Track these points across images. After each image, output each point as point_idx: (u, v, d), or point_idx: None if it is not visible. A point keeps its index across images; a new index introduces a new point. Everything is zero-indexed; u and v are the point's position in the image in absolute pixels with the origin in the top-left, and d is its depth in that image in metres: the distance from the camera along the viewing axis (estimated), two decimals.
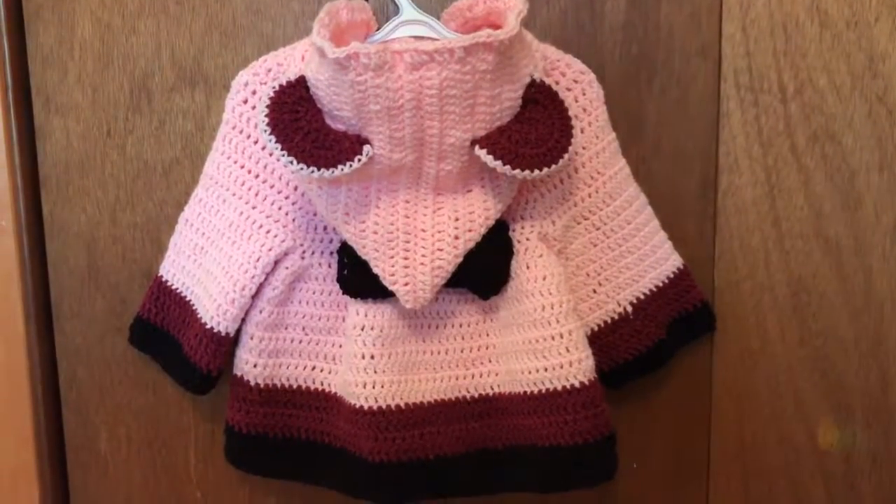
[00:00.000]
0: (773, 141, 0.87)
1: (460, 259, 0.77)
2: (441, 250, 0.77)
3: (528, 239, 0.81)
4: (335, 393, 0.85)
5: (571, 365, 0.78)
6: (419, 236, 0.77)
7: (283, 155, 0.70)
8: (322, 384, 0.86)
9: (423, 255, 0.77)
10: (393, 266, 0.77)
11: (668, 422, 0.92)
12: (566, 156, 0.74)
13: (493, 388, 0.84)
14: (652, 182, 0.87)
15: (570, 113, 0.77)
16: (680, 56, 0.86)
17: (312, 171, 0.71)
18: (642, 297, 0.85)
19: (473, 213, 0.77)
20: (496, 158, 0.72)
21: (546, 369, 0.79)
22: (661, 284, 0.86)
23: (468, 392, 0.84)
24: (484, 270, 0.80)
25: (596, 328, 0.85)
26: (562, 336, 0.78)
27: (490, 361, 0.84)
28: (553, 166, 0.73)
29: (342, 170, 0.71)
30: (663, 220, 0.87)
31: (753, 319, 0.90)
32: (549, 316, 0.78)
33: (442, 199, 0.77)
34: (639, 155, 0.87)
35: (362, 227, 0.77)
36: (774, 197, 0.88)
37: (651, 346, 0.85)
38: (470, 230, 0.77)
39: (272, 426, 0.86)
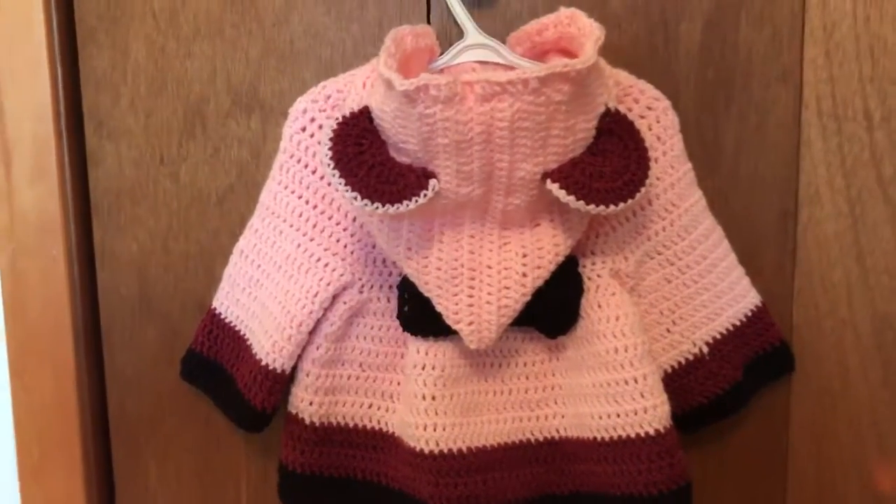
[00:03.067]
0: (857, 171, 0.82)
1: (528, 297, 0.73)
2: (508, 288, 0.73)
3: (599, 276, 0.76)
4: (393, 433, 0.82)
5: (646, 411, 0.74)
6: (485, 273, 0.74)
7: (347, 191, 0.67)
8: (379, 423, 0.82)
9: (489, 294, 0.73)
10: (457, 304, 0.74)
11: (742, 466, 0.87)
12: (643, 189, 0.70)
13: (559, 432, 0.80)
14: (729, 214, 0.82)
15: (646, 141, 0.73)
16: (759, 81, 0.81)
17: (377, 207, 0.67)
18: (718, 336, 0.81)
19: (542, 249, 0.73)
20: (569, 193, 0.68)
21: (618, 415, 0.75)
22: (738, 323, 0.81)
23: (533, 435, 0.80)
24: (552, 309, 0.76)
25: (669, 370, 0.80)
26: (636, 380, 0.74)
27: (556, 403, 0.80)
28: (629, 201, 0.69)
29: (407, 205, 0.67)
30: (740, 254, 0.82)
31: (834, 358, 0.85)
32: (622, 359, 0.74)
33: (508, 233, 0.73)
34: (715, 185, 0.82)
35: (425, 263, 0.73)
36: (858, 230, 0.83)
37: (727, 388, 0.81)
38: (538, 267, 0.73)
39: (327, 466, 0.82)
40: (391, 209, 0.67)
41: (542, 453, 0.80)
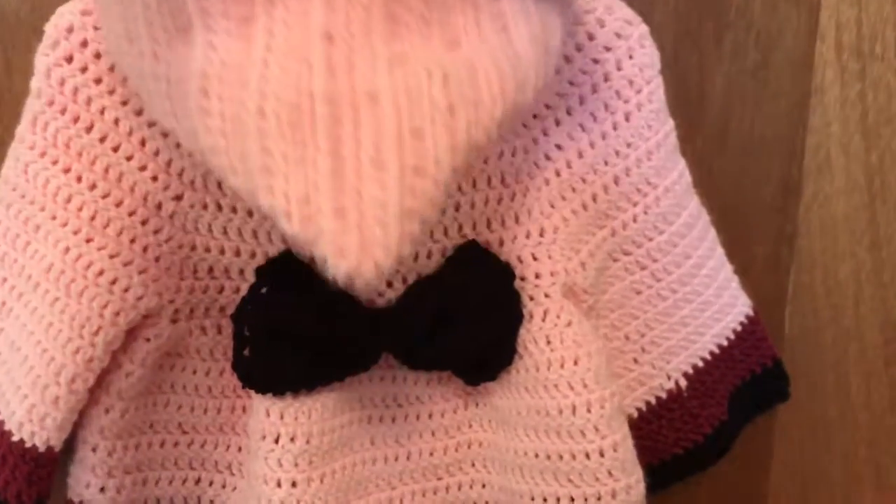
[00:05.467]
0: (881, 131, 0.60)
1: (460, 160, 0.36)
2: (419, 135, 0.35)
3: (547, 295, 0.51)
4: None
5: (615, 496, 0.50)
6: (363, 107, 0.35)
7: None
8: (213, 503, 0.55)
9: (377, 146, 0.35)
10: (307, 179, 0.35)
11: None
12: None
13: None
14: (713, 188, 0.58)
15: (611, 88, 0.48)
16: (763, 0, 0.57)
17: None
18: (700, 364, 0.57)
19: (475, 70, 0.37)
20: None
21: (573, 499, 0.50)
22: (724, 343, 0.58)
23: None
24: (476, 347, 0.50)
25: (635, 414, 0.57)
26: (602, 453, 0.49)
27: (474, 466, 0.56)
28: None
29: None
30: (725, 244, 0.58)
31: (832, 379, 0.65)
32: (582, 422, 0.49)
33: (399, 30, 0.36)
34: (696, 149, 0.58)
35: (236, 110, 0.35)
36: (876, 210, 0.61)
37: (710, 432, 0.58)
38: (476, 103, 0.36)
39: None
40: None
41: None
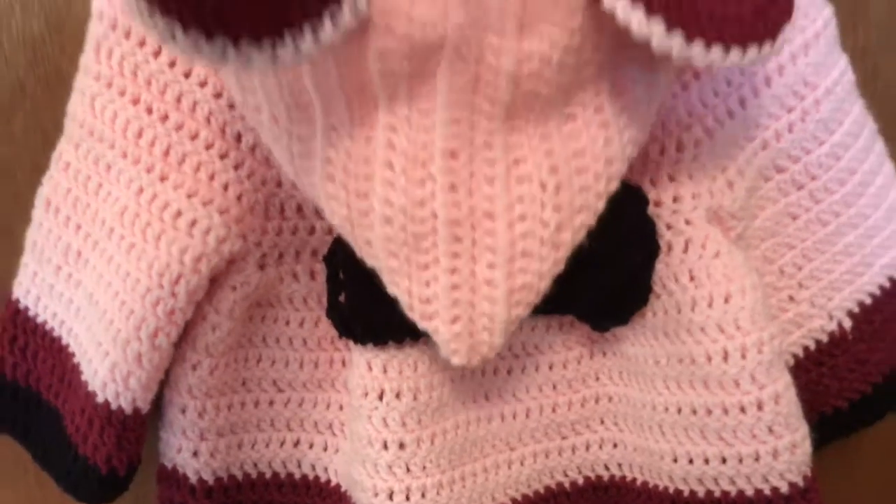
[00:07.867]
0: None
1: (561, 267, 0.40)
2: (528, 255, 0.39)
3: (688, 222, 0.43)
4: (337, 485, 0.50)
5: (777, 455, 0.43)
6: (480, 227, 0.39)
7: (154, 16, 0.30)
8: (314, 468, 0.51)
9: (491, 265, 0.39)
10: (429, 286, 0.40)
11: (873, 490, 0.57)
12: (789, 20, 0.35)
13: (609, 469, 0.49)
14: (880, 91, 0.49)
15: None
16: None
17: (225, 50, 0.31)
18: (868, 300, 0.49)
19: (586, 171, 0.38)
20: (651, 14, 0.33)
21: (725, 460, 0.43)
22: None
23: (567, 476, 0.50)
24: (603, 285, 0.43)
25: (791, 361, 0.49)
26: (760, 406, 0.42)
27: (603, 423, 0.49)
28: (768, 45, 0.34)
29: (297, 47, 0.31)
30: (894, 157, 0.49)
31: None
32: (736, 371, 0.42)
33: (520, 141, 0.38)
34: (858, 43, 0.49)
35: (363, 206, 0.38)
36: None
37: (880, 382, 0.50)
38: (581, 209, 0.39)
39: None
40: (257, 56, 0.31)
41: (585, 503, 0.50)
